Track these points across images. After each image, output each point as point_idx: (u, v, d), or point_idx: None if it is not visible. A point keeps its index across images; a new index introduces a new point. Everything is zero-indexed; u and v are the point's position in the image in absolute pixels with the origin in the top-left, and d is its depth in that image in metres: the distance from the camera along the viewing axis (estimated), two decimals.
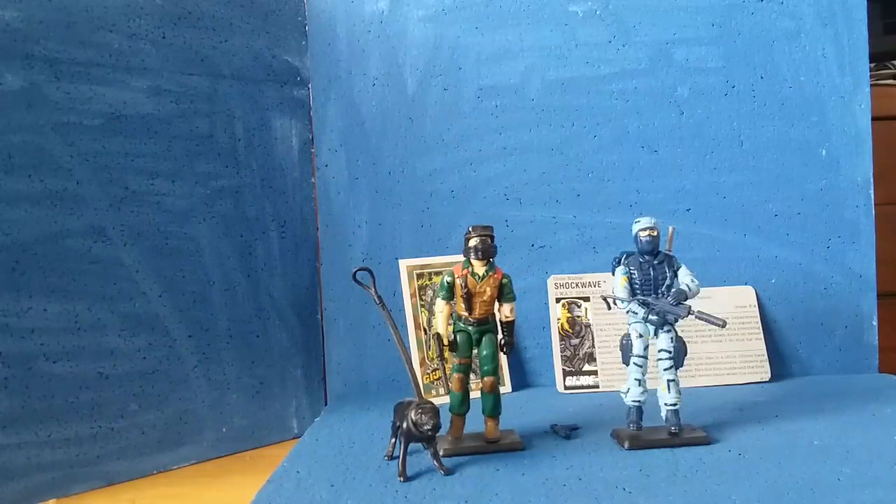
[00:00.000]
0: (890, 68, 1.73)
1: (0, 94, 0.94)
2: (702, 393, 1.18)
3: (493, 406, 0.94)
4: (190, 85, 1.11)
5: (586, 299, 1.29)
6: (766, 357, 1.28)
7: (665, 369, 0.95)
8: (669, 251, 0.98)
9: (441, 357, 0.96)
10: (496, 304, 0.96)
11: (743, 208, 1.32)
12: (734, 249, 1.32)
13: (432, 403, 0.85)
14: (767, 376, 1.27)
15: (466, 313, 0.95)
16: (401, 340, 0.90)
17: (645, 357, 0.95)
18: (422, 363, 1.21)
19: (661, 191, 1.32)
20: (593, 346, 1.27)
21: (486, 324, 0.96)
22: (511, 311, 0.96)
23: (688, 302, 0.93)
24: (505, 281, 0.95)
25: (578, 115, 1.32)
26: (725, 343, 1.27)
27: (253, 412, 1.16)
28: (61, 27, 0.99)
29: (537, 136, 1.32)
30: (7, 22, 0.94)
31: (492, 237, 0.94)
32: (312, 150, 1.28)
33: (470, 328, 0.95)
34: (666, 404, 0.95)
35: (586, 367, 1.26)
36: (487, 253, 0.93)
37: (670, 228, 0.99)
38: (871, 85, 1.32)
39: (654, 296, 0.95)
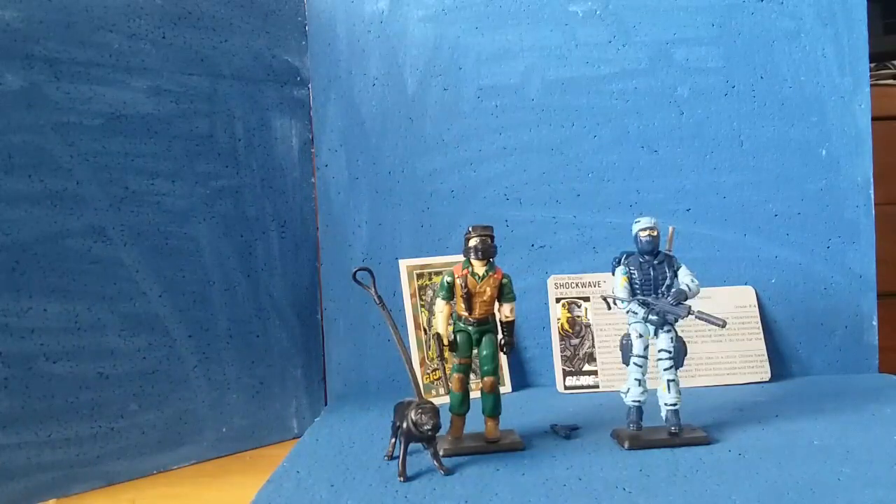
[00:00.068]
0: (890, 68, 1.73)
1: (0, 94, 0.94)
2: (702, 393, 1.18)
3: (493, 406, 0.94)
4: (190, 85, 1.11)
5: (586, 299, 1.29)
6: (766, 357, 1.28)
7: (665, 369, 0.95)
8: (669, 251, 0.98)
9: (441, 357, 0.96)
10: (496, 304, 0.96)
11: (743, 208, 1.32)
12: (734, 249, 1.32)
13: (432, 403, 0.85)
14: (767, 376, 1.27)
15: (466, 313, 0.95)
16: (401, 340, 0.90)
17: (645, 357, 0.95)
18: (422, 363, 1.21)
19: (661, 191, 1.32)
20: (593, 346, 1.27)
21: (486, 324, 0.96)
22: (511, 311, 0.96)
23: (688, 302, 0.93)
24: (505, 281, 0.95)
25: (578, 115, 1.32)
26: (725, 343, 1.27)
27: (253, 412, 1.16)
28: (61, 27, 0.99)
29: (537, 136, 1.32)
30: (7, 22, 0.95)
31: (492, 237, 0.94)
32: (312, 150, 1.28)
33: (470, 328, 0.95)
34: (666, 404, 0.95)
35: (586, 367, 1.26)
36: (487, 253, 0.93)
37: (670, 228, 0.99)
38: (871, 85, 1.32)
39: (654, 296, 0.95)
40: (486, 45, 1.31)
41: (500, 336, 0.96)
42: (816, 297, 1.32)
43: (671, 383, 0.94)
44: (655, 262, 0.96)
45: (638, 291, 0.96)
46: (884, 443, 0.91)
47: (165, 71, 1.09)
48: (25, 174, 0.96)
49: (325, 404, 1.26)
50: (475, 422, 0.96)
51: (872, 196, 1.32)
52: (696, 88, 1.32)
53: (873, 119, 1.32)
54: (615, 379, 1.23)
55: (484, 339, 0.95)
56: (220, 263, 1.14)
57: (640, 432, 0.95)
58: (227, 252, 1.15)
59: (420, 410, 0.84)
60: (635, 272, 0.96)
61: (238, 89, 1.17)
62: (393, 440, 0.92)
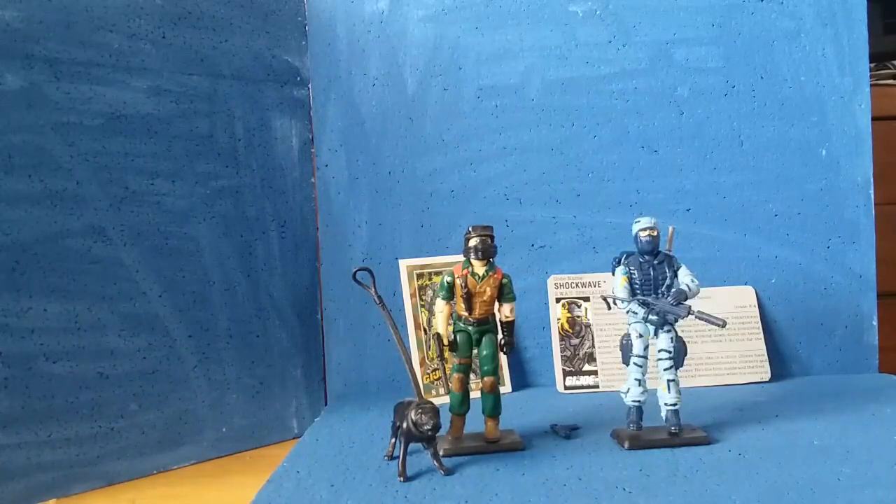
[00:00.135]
0: (890, 68, 1.73)
1: (0, 94, 0.94)
2: (702, 393, 1.18)
3: (493, 406, 0.94)
4: (190, 85, 1.11)
5: (586, 299, 1.29)
6: (766, 357, 1.28)
7: (665, 369, 0.95)
8: (669, 251, 0.98)
9: (441, 357, 0.96)
10: (496, 304, 0.96)
11: (743, 208, 1.32)
12: (734, 249, 1.32)
13: (432, 403, 0.85)
14: (767, 376, 1.27)
15: (466, 313, 0.95)
16: (401, 340, 0.90)
17: (645, 357, 0.95)
18: (422, 363, 1.21)
19: (661, 191, 1.32)
20: (593, 346, 1.27)
21: (486, 324, 0.96)
22: (511, 311, 0.96)
23: (688, 302, 0.93)
24: (505, 281, 0.95)
25: (578, 115, 1.32)
26: (725, 343, 1.27)
27: (253, 412, 1.16)
28: (61, 27, 0.99)
29: (537, 136, 1.32)
30: (7, 22, 0.95)
31: (492, 237, 0.94)
32: (312, 150, 1.28)
33: (470, 328, 0.95)
34: (666, 404, 0.95)
35: (586, 367, 1.26)
36: (487, 253, 0.93)
37: (670, 228, 0.99)
38: (871, 85, 1.32)
39: (654, 296, 0.95)
40: (486, 45, 1.31)
41: (500, 336, 0.96)
42: (816, 297, 1.32)
43: (671, 383, 0.94)
44: (655, 262, 0.96)
45: (638, 291, 0.96)
46: (884, 443, 0.91)
47: (165, 71, 1.09)
48: (25, 174, 0.96)
49: (325, 404, 1.26)
50: (475, 422, 0.96)
51: (872, 196, 1.32)
52: (696, 88, 1.32)
53: (873, 119, 1.32)
54: (615, 379, 1.23)
55: (484, 339, 0.95)
56: (220, 263, 1.14)
57: (640, 432, 0.95)
58: (227, 252, 1.15)
59: (420, 410, 0.84)
60: (635, 272, 0.96)
61: (238, 89, 1.17)
62: (393, 440, 0.92)
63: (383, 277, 1.22)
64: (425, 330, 1.23)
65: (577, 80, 1.32)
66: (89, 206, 1.01)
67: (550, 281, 1.30)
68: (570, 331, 1.28)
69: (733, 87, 1.33)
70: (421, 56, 1.31)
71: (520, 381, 1.29)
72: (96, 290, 1.01)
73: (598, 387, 1.25)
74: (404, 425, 0.85)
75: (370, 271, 0.92)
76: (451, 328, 0.95)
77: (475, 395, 0.97)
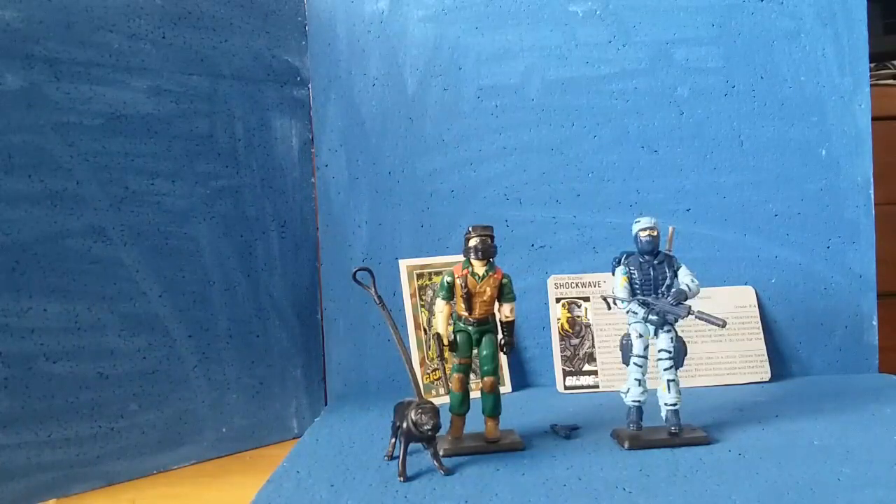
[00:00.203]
0: (890, 68, 1.73)
1: (0, 94, 0.94)
2: (702, 393, 1.18)
3: (493, 406, 0.94)
4: (190, 85, 1.11)
5: (586, 299, 1.29)
6: (766, 357, 1.28)
7: (665, 369, 0.95)
8: (669, 251, 0.98)
9: (441, 357, 0.96)
10: (496, 304, 0.96)
11: (743, 208, 1.32)
12: (734, 249, 1.32)
13: (432, 403, 0.85)
14: (767, 376, 1.27)
15: (466, 313, 0.95)
16: (401, 340, 0.90)
17: (645, 357, 0.95)
18: (422, 363, 1.21)
19: (661, 191, 1.32)
20: (593, 346, 1.27)
21: (486, 324, 0.96)
22: (511, 311, 0.96)
23: (688, 302, 0.93)
24: (505, 281, 0.95)
25: (578, 115, 1.32)
26: (725, 343, 1.27)
27: (253, 412, 1.16)
28: (61, 27, 0.99)
29: (537, 136, 1.32)
30: (7, 22, 0.95)
31: (492, 237, 0.94)
32: (312, 150, 1.28)
33: (470, 328, 0.95)
34: (666, 404, 0.95)
35: (586, 367, 1.26)
36: (487, 253, 0.93)
37: (670, 228, 0.99)
38: (871, 85, 1.32)
39: (654, 296, 0.95)
40: (486, 45, 1.31)
41: (500, 336, 0.96)
42: (816, 297, 1.32)
43: (671, 383, 0.94)
44: (655, 262, 0.96)
45: (638, 291, 0.96)
46: (884, 443, 0.91)
47: (165, 71, 1.09)
48: (25, 174, 0.96)
49: (325, 404, 1.26)
50: (475, 422, 0.96)
51: (872, 196, 1.32)
52: (696, 88, 1.32)
53: (873, 119, 1.32)
54: (615, 379, 1.23)
55: (484, 339, 0.95)
56: (220, 263, 1.14)
57: (640, 432, 0.95)
58: (227, 252, 1.15)
59: (420, 410, 0.84)
60: (635, 272, 0.96)
61: (238, 89, 1.17)
62: (393, 440, 0.92)
63: (383, 277, 1.22)
64: (425, 330, 1.23)
65: (577, 80, 1.32)
66: (89, 206, 1.01)
67: (550, 281, 1.30)
68: (570, 331, 1.28)
69: (733, 87, 1.33)
70: (421, 56, 1.31)
71: (520, 381, 1.29)
72: (96, 290, 1.01)
73: (598, 387, 1.25)
74: (404, 425, 0.85)
75: (370, 271, 0.92)
76: (451, 328, 0.95)
77: (475, 395, 0.97)
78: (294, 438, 1.18)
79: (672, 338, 0.95)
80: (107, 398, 1.01)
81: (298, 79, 1.25)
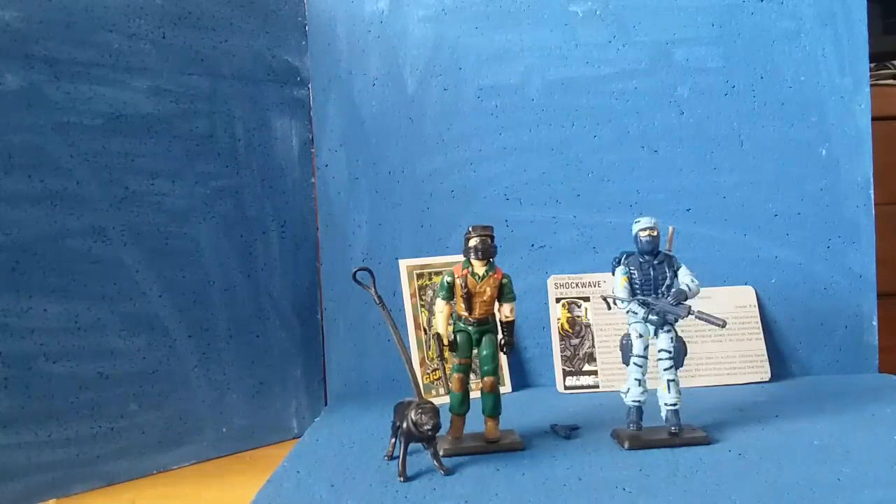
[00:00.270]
0: (890, 68, 1.73)
1: (0, 94, 0.94)
2: (702, 393, 1.18)
3: (493, 406, 0.94)
4: (190, 85, 1.11)
5: (586, 299, 1.29)
6: (766, 357, 1.28)
7: (665, 369, 0.95)
8: (669, 251, 0.98)
9: (441, 357, 0.96)
10: (496, 304, 0.96)
11: (743, 208, 1.32)
12: (734, 249, 1.32)
13: (432, 403, 0.85)
14: (767, 376, 1.27)
15: (466, 313, 0.95)
16: (401, 340, 0.90)
17: (645, 357, 0.95)
18: (422, 363, 1.21)
19: (661, 191, 1.32)
20: (593, 346, 1.27)
21: (486, 324, 0.96)
22: (511, 311, 0.96)
23: (688, 302, 0.93)
24: (505, 281, 0.95)
25: (578, 115, 1.32)
26: (725, 343, 1.27)
27: (253, 412, 1.16)
28: (61, 27, 0.99)
29: (537, 136, 1.32)
30: (7, 22, 0.94)
31: (492, 237, 0.94)
32: (312, 150, 1.28)
33: (470, 328, 0.95)
34: (666, 404, 0.95)
35: (586, 367, 1.26)
36: (487, 253, 0.93)
37: (670, 228, 0.99)
38: (871, 85, 1.32)
39: (654, 296, 0.95)
40: (486, 45, 1.31)
41: (500, 336, 0.96)
42: (816, 297, 1.32)
43: (671, 383, 0.94)
44: (655, 262, 0.96)
45: (638, 291, 0.96)
46: (884, 443, 0.91)
47: (165, 71, 1.09)
48: (25, 174, 0.96)
49: (325, 404, 1.26)
50: (475, 422, 0.96)
51: (872, 196, 1.32)
52: (696, 88, 1.32)
53: (873, 119, 1.32)
54: (615, 379, 1.23)
55: (484, 339, 0.95)
56: (220, 263, 1.14)
57: (640, 432, 0.95)
58: (227, 252, 1.15)
59: (420, 410, 0.84)
60: (635, 272, 0.96)
61: (238, 89, 1.17)
62: (393, 440, 0.92)
63: (383, 277, 1.21)
64: (425, 330, 1.23)
65: (577, 80, 1.32)
66: (89, 206, 1.01)
67: (550, 281, 1.30)
68: (570, 331, 1.28)
69: (733, 87, 1.33)
70: (421, 56, 1.31)
71: (520, 381, 1.29)
72: (96, 290, 1.01)
73: (598, 387, 1.25)
74: (404, 425, 0.85)
75: (370, 271, 0.92)
76: (451, 328, 0.95)
77: (475, 395, 0.97)
78: (294, 438, 1.18)
79: (672, 338, 0.95)
80: (107, 398, 1.01)
81: (298, 79, 1.25)
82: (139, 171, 1.06)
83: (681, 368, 0.97)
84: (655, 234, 0.95)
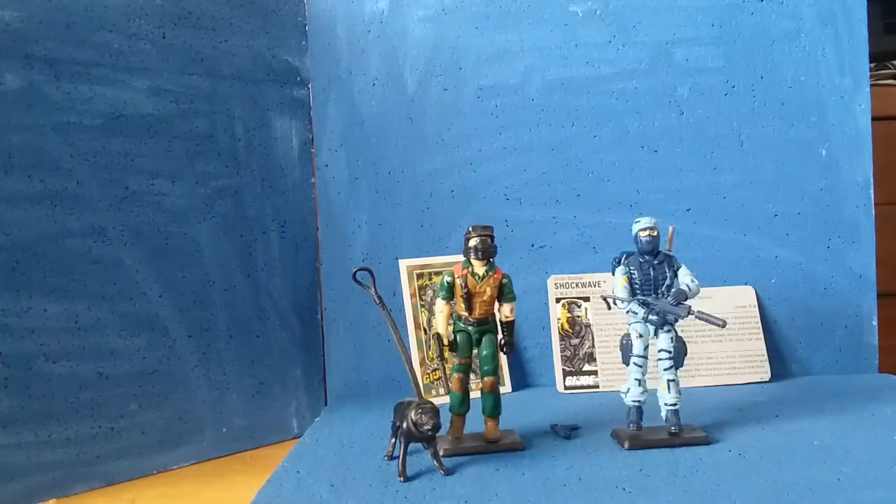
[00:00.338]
0: (890, 68, 1.73)
1: (0, 94, 0.94)
2: (702, 393, 1.18)
3: (493, 406, 0.94)
4: (190, 85, 1.11)
5: (586, 299, 1.29)
6: (766, 357, 1.28)
7: (665, 369, 0.95)
8: (669, 251, 0.98)
9: (441, 357, 0.96)
10: (496, 304, 0.96)
11: (743, 208, 1.32)
12: (734, 249, 1.32)
13: (432, 403, 0.85)
14: (767, 376, 1.27)
15: (466, 313, 0.95)
16: (401, 340, 0.90)
17: (645, 357, 0.95)
18: (422, 363, 1.21)
19: (661, 191, 1.32)
20: (593, 346, 1.27)
21: (486, 324, 0.96)
22: (511, 311, 0.96)
23: (688, 302, 0.93)
24: (505, 281, 0.95)
25: (578, 115, 1.32)
26: (725, 343, 1.27)
27: (253, 412, 1.16)
28: (61, 27, 0.99)
29: (537, 136, 1.32)
30: (7, 22, 0.94)
31: (492, 237, 0.94)
32: (312, 150, 1.28)
33: (470, 328, 0.95)
34: (666, 404, 0.95)
35: (586, 367, 1.26)
36: (487, 253, 0.93)
37: (670, 228, 0.99)
38: (871, 85, 1.32)
39: (654, 296, 0.95)
40: (486, 45, 1.31)
41: (500, 336, 0.96)
42: (816, 297, 1.32)
43: (671, 383, 0.94)
44: (655, 262, 0.96)
45: (638, 291, 0.96)
46: (884, 443, 0.91)
47: (165, 71, 1.09)
48: (25, 174, 0.96)
49: (325, 404, 1.26)
50: (475, 422, 0.96)
51: (872, 196, 1.32)
52: (696, 88, 1.32)
53: (873, 119, 1.32)
54: (615, 379, 1.23)
55: (484, 339, 0.95)
56: (220, 263, 1.14)
57: (640, 432, 0.95)
58: (227, 252, 1.15)
59: (420, 410, 0.84)
60: (635, 272, 0.96)
61: (238, 89, 1.17)
62: (393, 440, 0.92)
63: (383, 277, 1.21)
64: (425, 330, 1.23)
65: (577, 80, 1.32)
66: (89, 206, 1.01)
67: (550, 281, 1.30)
68: (570, 331, 1.28)
69: (733, 87, 1.33)
70: (421, 56, 1.31)
71: (520, 381, 1.29)
72: (96, 290, 1.01)
73: (598, 387, 1.25)
74: (404, 425, 0.85)
75: (370, 271, 0.92)
76: (451, 328, 0.95)
77: (475, 395, 0.97)
78: (294, 438, 1.18)
79: (672, 338, 0.95)
80: (107, 398, 1.01)
81: (298, 79, 1.25)
82: (139, 171, 1.06)
83: (681, 368, 0.97)
84: (655, 234, 0.95)
